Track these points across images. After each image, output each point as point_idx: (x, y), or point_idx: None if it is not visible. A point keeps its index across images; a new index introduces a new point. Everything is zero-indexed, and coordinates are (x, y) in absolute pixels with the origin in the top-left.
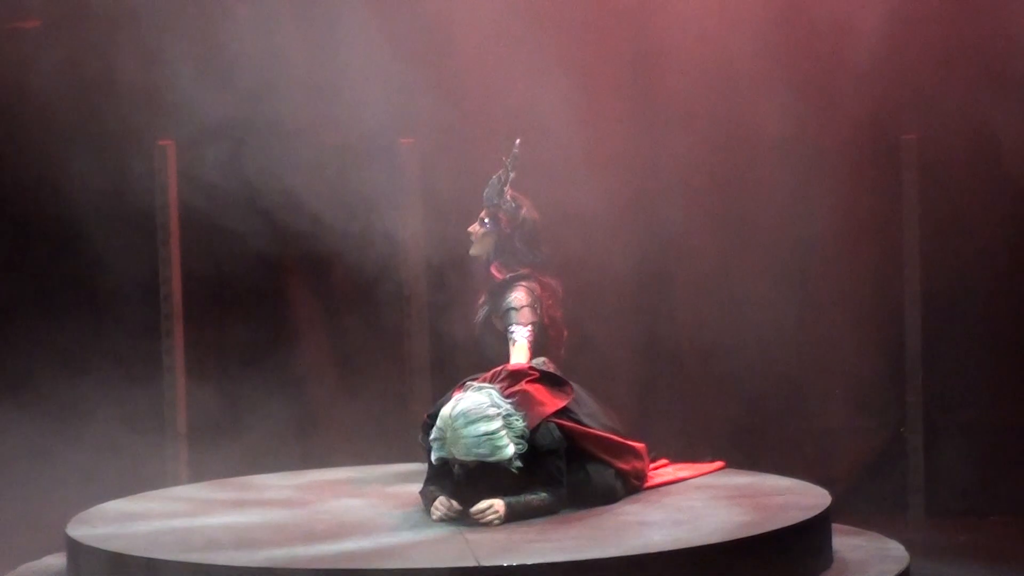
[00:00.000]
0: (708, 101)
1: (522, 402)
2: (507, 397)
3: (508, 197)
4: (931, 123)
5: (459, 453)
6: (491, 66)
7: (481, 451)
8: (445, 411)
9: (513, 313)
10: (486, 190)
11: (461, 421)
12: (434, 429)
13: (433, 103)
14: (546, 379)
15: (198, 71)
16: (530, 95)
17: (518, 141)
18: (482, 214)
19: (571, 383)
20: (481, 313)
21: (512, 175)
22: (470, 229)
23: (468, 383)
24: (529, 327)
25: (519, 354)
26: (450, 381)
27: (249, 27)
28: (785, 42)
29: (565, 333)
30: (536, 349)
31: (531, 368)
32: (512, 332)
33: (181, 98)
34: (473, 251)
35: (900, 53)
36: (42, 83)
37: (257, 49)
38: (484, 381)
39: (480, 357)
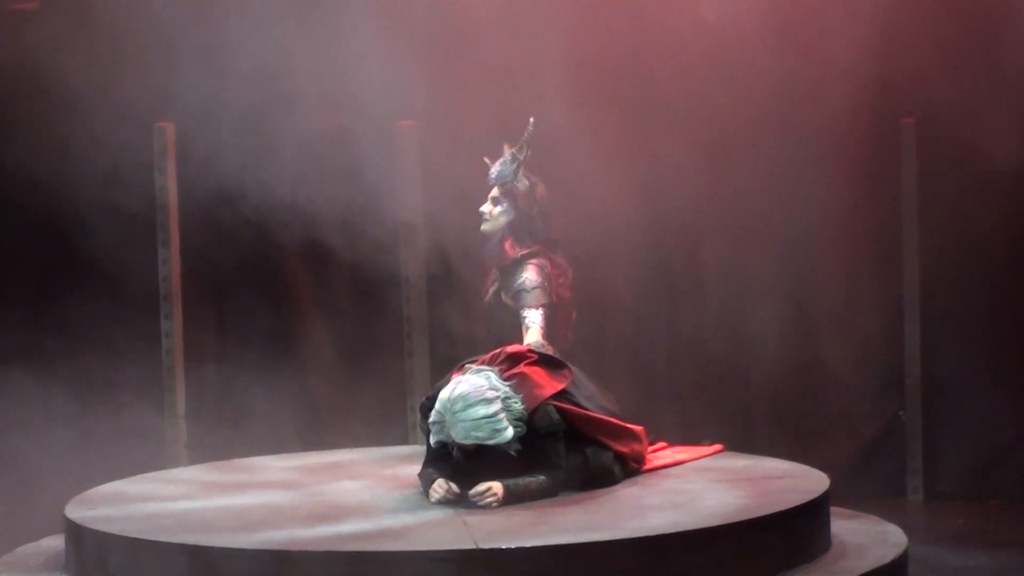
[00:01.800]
0: (706, 87)
1: (520, 384)
2: (505, 380)
3: (523, 175)
4: (930, 106)
5: (458, 436)
6: (490, 47)
7: (480, 434)
8: (443, 394)
9: (525, 295)
10: (499, 169)
11: (460, 404)
12: (433, 412)
13: (432, 85)
14: (544, 362)
15: (197, 53)
16: (529, 77)
17: (532, 120)
18: (494, 193)
19: (569, 366)
20: (491, 290)
21: (528, 154)
22: (483, 209)
23: (467, 365)
24: (541, 310)
25: (532, 338)
26: (449, 363)
27: (249, 9)
28: (782, 26)
29: (573, 315)
30: (547, 329)
31: (530, 351)
32: (525, 316)
33: (180, 80)
34: (486, 227)
35: (898, 35)
36: (40, 64)
37: (256, 31)
38: (483, 363)
39: (489, 333)
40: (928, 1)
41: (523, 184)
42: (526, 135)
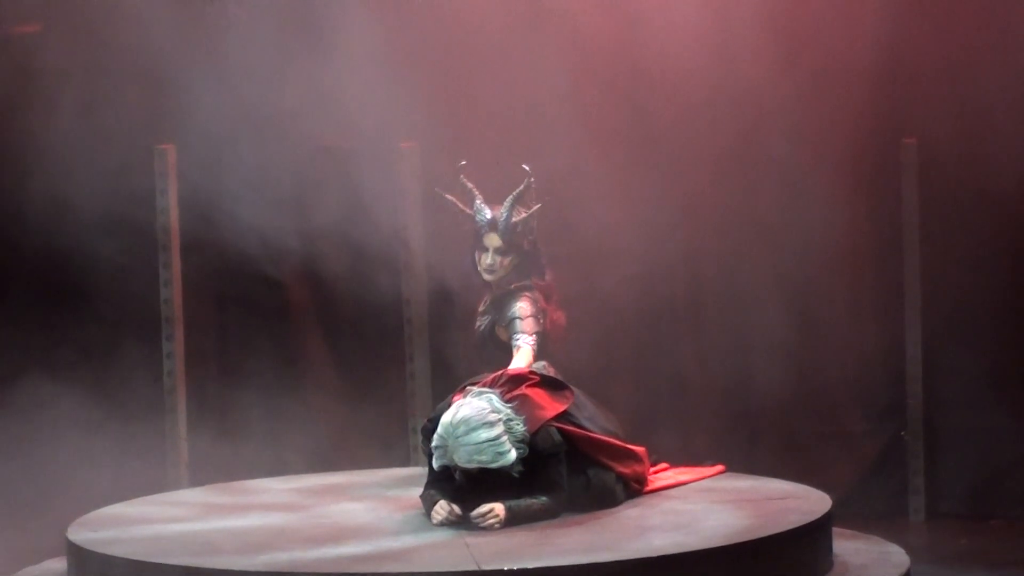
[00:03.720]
0: (708, 107)
1: (522, 406)
2: (507, 401)
3: (517, 218)
4: (932, 126)
5: (461, 460)
6: (492, 69)
7: (483, 458)
8: (446, 418)
9: (518, 323)
10: (504, 222)
11: (462, 429)
12: (435, 437)
13: (433, 106)
14: (546, 383)
15: (198, 75)
16: (531, 98)
17: (528, 168)
18: (496, 243)
19: (571, 387)
20: (482, 321)
21: (540, 207)
22: (488, 262)
23: (468, 387)
24: (534, 336)
25: (522, 359)
26: (450, 384)
27: (249, 31)
28: (784, 46)
29: (563, 324)
30: (539, 358)
31: (531, 372)
32: (517, 339)
33: (181, 102)
34: (493, 278)
35: (900, 56)
36: (41, 87)
37: (257, 53)
38: (484, 385)
39: (480, 363)
40: (930, 21)
41: (526, 226)
42: (526, 186)
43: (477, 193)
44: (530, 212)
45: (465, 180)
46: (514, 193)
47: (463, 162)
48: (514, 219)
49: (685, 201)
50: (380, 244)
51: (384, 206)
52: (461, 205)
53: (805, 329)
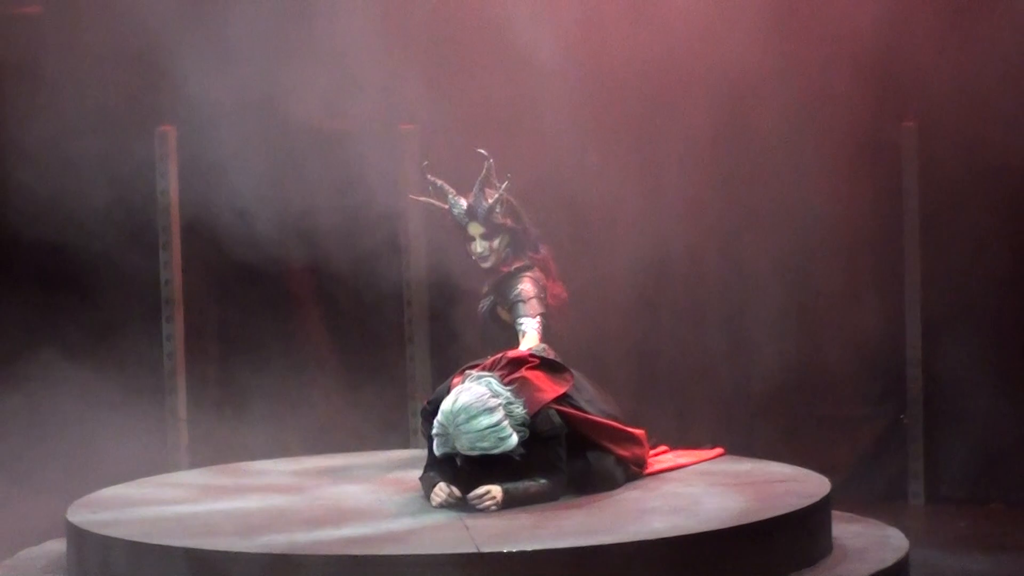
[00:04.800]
0: (707, 91)
1: (522, 389)
2: (507, 384)
3: (490, 201)
4: (931, 111)
5: (463, 448)
6: (492, 50)
7: (485, 444)
8: (445, 406)
9: (521, 305)
10: (481, 207)
11: (463, 416)
12: (435, 424)
13: (434, 88)
14: (546, 366)
15: (199, 57)
16: (531, 81)
17: (484, 151)
18: (480, 230)
19: (571, 370)
20: (485, 303)
21: (507, 184)
22: (478, 250)
23: (467, 371)
24: (538, 318)
25: (528, 343)
26: (450, 367)
27: (250, 13)
28: (784, 29)
29: (564, 297)
30: (543, 336)
31: (531, 355)
32: (521, 323)
33: (182, 84)
34: (490, 265)
35: (900, 39)
36: (42, 69)
37: (258, 35)
38: (484, 369)
39: (484, 346)
40: (929, 5)
41: (501, 206)
42: (488, 169)
43: (448, 188)
44: (499, 192)
45: (433, 178)
46: (479, 179)
47: (426, 162)
48: (487, 202)
49: (685, 185)
50: (380, 226)
51: (384, 188)
52: (438, 203)
53: (805, 312)
